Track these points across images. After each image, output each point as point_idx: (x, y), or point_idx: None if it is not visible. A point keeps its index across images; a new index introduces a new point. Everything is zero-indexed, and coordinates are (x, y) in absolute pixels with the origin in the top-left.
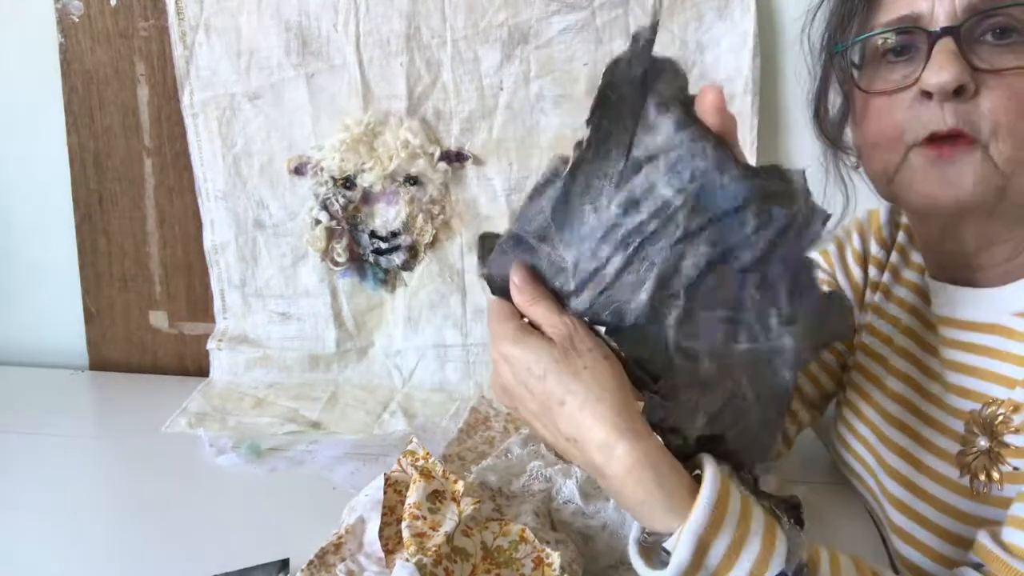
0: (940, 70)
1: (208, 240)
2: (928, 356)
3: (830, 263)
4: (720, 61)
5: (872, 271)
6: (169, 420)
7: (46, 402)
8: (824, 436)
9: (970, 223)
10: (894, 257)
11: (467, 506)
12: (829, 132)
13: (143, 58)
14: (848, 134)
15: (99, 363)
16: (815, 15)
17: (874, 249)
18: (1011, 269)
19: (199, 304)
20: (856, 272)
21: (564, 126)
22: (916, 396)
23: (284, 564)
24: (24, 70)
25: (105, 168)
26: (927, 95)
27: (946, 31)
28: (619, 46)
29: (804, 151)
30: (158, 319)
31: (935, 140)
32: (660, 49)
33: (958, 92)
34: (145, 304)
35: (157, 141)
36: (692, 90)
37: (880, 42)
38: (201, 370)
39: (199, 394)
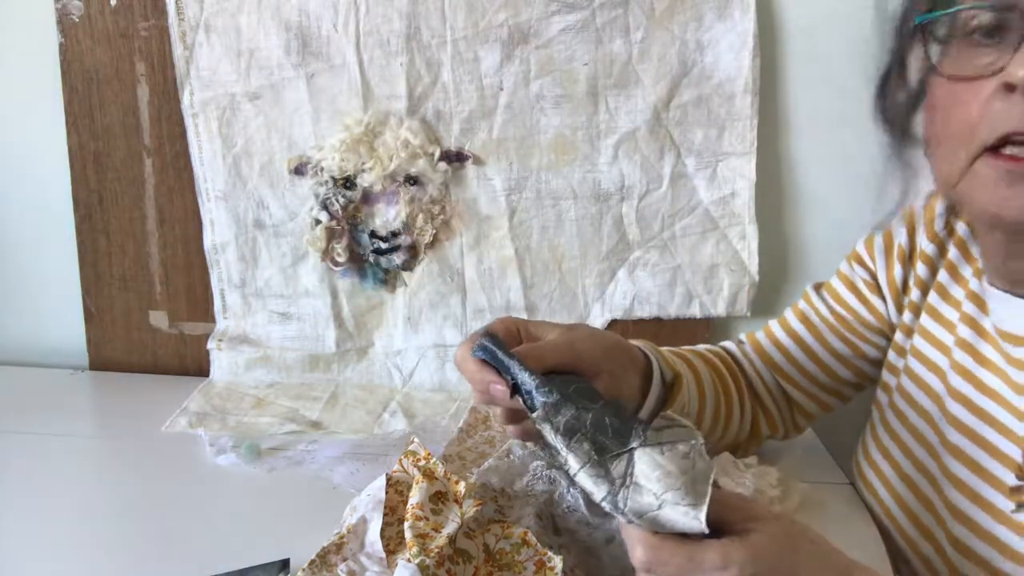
0: None
1: (208, 240)
2: (986, 372)
3: (874, 257)
4: (720, 61)
5: (921, 268)
6: (169, 420)
7: (46, 402)
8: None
9: None
10: (952, 253)
11: (469, 508)
12: (893, 118)
13: (143, 58)
14: (918, 123)
15: (99, 363)
16: None
17: (924, 243)
18: None
19: (199, 304)
20: (897, 271)
21: (564, 126)
22: (974, 418)
23: (284, 564)
24: (24, 70)
25: (105, 168)
26: (1010, 88)
27: None
28: (619, 46)
29: (804, 151)
30: (158, 319)
31: (1009, 144)
32: (660, 49)
33: None
34: (145, 304)
35: (157, 141)
36: (696, 89)
37: (969, 19)
38: (201, 370)
39: (199, 394)
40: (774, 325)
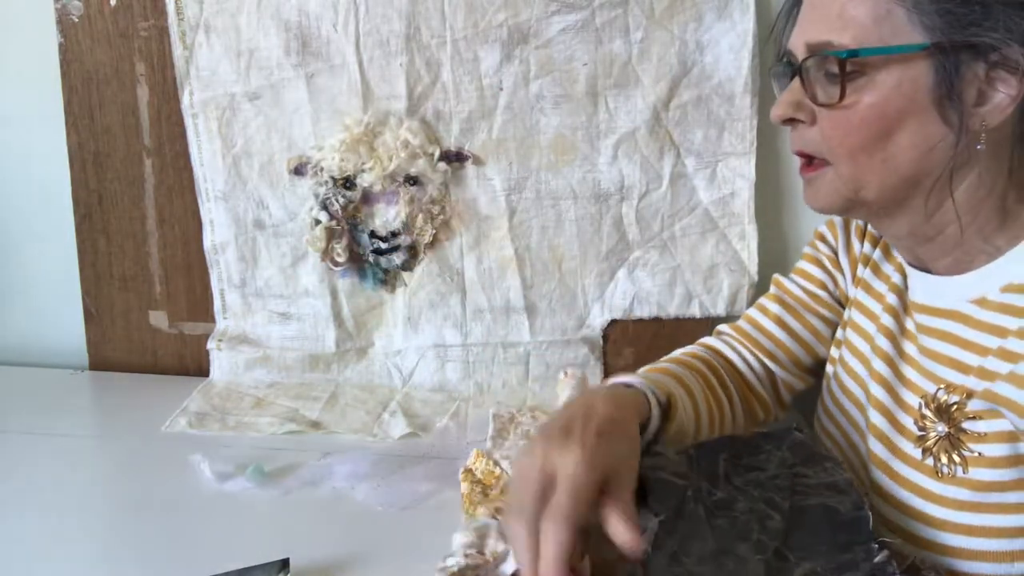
0: (777, 104)
1: (208, 240)
2: (905, 340)
3: (835, 234)
4: (720, 61)
5: (866, 246)
6: (169, 420)
7: (46, 402)
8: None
9: (876, 220)
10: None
11: None
12: None
13: (143, 58)
14: None
15: (99, 363)
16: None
17: (871, 226)
18: (955, 263)
19: (199, 304)
20: (856, 246)
21: (564, 126)
22: (894, 378)
23: (284, 564)
24: (24, 70)
25: (105, 168)
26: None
27: (796, 70)
28: (619, 46)
29: None
30: (158, 319)
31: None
32: (660, 49)
33: (796, 121)
34: (145, 304)
35: (157, 141)
36: (695, 89)
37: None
38: (201, 370)
39: (199, 394)
40: (752, 311)
